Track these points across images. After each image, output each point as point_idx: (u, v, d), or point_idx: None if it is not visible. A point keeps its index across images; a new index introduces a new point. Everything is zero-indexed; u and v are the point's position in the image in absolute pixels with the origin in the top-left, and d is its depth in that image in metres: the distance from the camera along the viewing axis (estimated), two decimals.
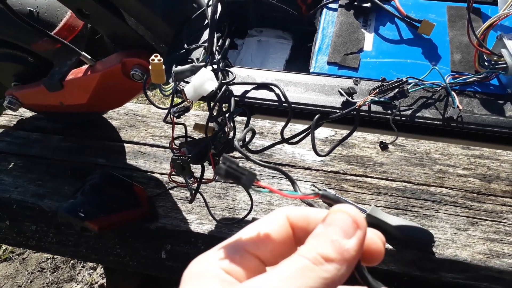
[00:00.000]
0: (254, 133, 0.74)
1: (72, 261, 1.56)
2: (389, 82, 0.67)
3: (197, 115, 1.29)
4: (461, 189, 1.06)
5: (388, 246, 0.95)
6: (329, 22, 0.82)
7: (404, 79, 0.66)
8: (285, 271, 0.21)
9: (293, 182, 0.44)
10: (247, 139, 0.74)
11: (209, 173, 0.99)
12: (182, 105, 0.73)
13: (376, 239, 0.25)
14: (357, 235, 0.23)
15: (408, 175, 1.09)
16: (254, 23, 0.98)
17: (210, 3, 0.74)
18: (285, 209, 0.25)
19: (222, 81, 0.68)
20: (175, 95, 0.71)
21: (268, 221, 0.25)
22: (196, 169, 0.80)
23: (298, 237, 0.25)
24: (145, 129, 1.27)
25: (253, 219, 1.00)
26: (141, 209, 1.00)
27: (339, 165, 1.13)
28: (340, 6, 0.84)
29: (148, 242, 1.01)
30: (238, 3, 0.84)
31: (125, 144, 1.22)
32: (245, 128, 0.76)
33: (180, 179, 0.94)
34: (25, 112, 1.33)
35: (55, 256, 1.58)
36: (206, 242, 0.99)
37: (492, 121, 0.65)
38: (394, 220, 0.94)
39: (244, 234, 0.24)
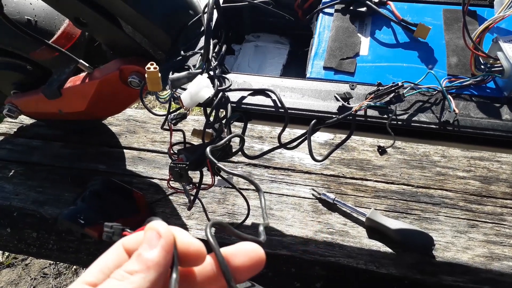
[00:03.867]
0: (242, 140, 0.74)
1: (74, 267, 1.57)
2: (385, 87, 0.67)
3: (197, 120, 1.29)
4: (461, 191, 1.06)
5: (388, 249, 0.95)
6: (325, 27, 0.82)
7: (400, 84, 0.66)
8: None
9: (258, 190, 0.44)
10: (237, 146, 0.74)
11: (208, 178, 0.99)
12: (179, 112, 0.74)
13: (194, 241, 0.28)
14: (160, 243, 0.26)
15: (408, 178, 1.09)
16: (251, 28, 0.99)
17: (206, 10, 0.74)
18: (121, 240, 0.29)
19: (218, 88, 0.69)
20: (172, 101, 0.71)
21: (105, 254, 0.29)
22: (196, 174, 0.80)
23: None
24: (144, 134, 1.27)
25: (253, 224, 1.01)
26: (141, 215, 1.01)
27: (339, 168, 1.13)
28: (336, 10, 0.84)
29: None
30: (234, 9, 0.84)
31: (124, 150, 1.23)
32: (242, 133, 0.76)
33: (179, 185, 0.94)
34: (26, 120, 1.33)
35: (58, 262, 1.58)
36: (206, 247, 0.99)
37: (488, 125, 0.65)
38: (393, 223, 0.94)
39: (86, 272, 0.28)
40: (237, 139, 0.76)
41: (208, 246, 0.29)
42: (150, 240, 0.27)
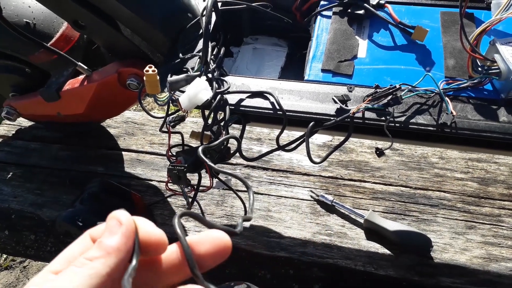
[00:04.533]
0: (238, 141, 0.74)
1: None
2: (383, 89, 0.67)
3: (195, 122, 1.29)
4: (459, 192, 1.06)
5: (386, 251, 0.95)
6: (323, 30, 0.83)
7: (397, 86, 0.66)
8: (63, 276, 0.26)
9: (248, 188, 0.44)
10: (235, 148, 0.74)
11: (206, 180, 0.99)
12: (177, 114, 0.74)
13: (155, 229, 0.29)
14: (120, 230, 0.27)
15: (406, 180, 1.09)
16: (249, 31, 0.99)
17: (205, 12, 0.74)
18: (89, 230, 0.30)
19: (217, 91, 0.69)
20: (171, 104, 0.71)
21: (74, 242, 0.29)
22: (194, 176, 0.80)
23: None
24: (143, 137, 1.27)
25: (251, 226, 1.01)
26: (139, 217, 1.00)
27: (337, 170, 1.13)
28: (334, 13, 0.84)
29: None
30: (233, 12, 0.85)
31: (123, 152, 1.23)
32: (240, 135, 0.76)
33: (177, 187, 0.95)
34: (24, 122, 1.33)
35: None
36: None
37: (486, 127, 0.65)
38: (392, 225, 0.94)
39: (52, 262, 0.28)
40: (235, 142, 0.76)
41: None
42: (111, 228, 0.27)
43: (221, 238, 0.29)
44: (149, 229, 0.29)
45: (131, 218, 0.28)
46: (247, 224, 1.00)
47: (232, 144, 0.81)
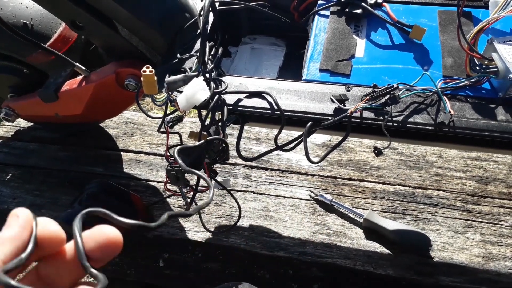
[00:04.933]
0: (226, 144, 0.74)
1: None
2: (380, 89, 0.67)
3: (194, 122, 1.29)
4: (458, 191, 1.06)
5: (386, 250, 0.95)
6: (321, 29, 0.83)
7: (395, 85, 0.66)
8: None
9: (208, 187, 0.44)
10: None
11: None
12: (175, 114, 0.74)
13: (53, 224, 0.29)
14: (16, 222, 0.28)
15: (405, 179, 1.09)
16: (247, 30, 0.99)
17: (202, 12, 0.74)
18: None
19: (214, 91, 0.69)
20: (169, 104, 0.71)
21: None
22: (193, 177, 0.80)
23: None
24: (142, 137, 1.27)
25: (250, 225, 1.01)
26: (138, 217, 1.01)
27: (336, 169, 1.13)
28: (332, 12, 0.84)
29: (145, 250, 1.01)
30: (230, 12, 0.85)
31: (122, 153, 1.23)
32: (239, 135, 0.76)
33: (176, 187, 0.95)
34: (23, 123, 1.33)
35: None
36: (204, 250, 0.99)
37: (483, 125, 0.65)
38: (391, 224, 0.94)
39: None
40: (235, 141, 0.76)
41: None
42: (9, 222, 0.29)
43: (110, 233, 0.30)
44: (46, 224, 0.30)
45: (28, 212, 0.29)
46: (246, 224, 1.00)
47: (231, 144, 0.81)
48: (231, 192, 0.84)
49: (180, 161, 0.57)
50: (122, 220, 0.31)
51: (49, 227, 0.30)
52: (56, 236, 0.30)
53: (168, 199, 1.08)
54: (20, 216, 0.29)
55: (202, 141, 0.68)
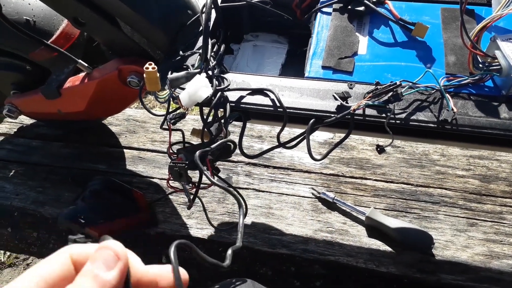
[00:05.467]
0: (235, 146, 0.74)
1: None
2: (383, 86, 0.67)
3: (196, 119, 1.29)
4: (461, 190, 1.06)
5: (388, 248, 0.95)
6: (323, 26, 0.82)
7: (398, 83, 0.66)
8: None
9: (240, 206, 0.44)
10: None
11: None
12: (178, 111, 0.74)
13: (148, 270, 0.29)
14: (118, 266, 0.26)
15: (407, 177, 1.09)
16: (249, 28, 0.99)
17: (204, 9, 0.74)
18: (68, 248, 0.28)
19: (217, 88, 0.69)
20: (171, 101, 0.71)
21: (49, 262, 0.27)
22: (196, 173, 0.80)
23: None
24: (144, 134, 1.27)
25: (252, 222, 1.01)
26: (141, 214, 1.01)
27: (338, 167, 1.13)
28: (334, 10, 0.84)
29: (148, 247, 1.01)
30: (233, 9, 0.84)
31: (124, 150, 1.23)
32: (241, 133, 0.76)
33: (179, 184, 0.95)
34: (26, 120, 1.34)
35: None
36: (206, 247, 0.99)
37: (486, 123, 0.65)
38: (393, 222, 0.94)
39: (24, 279, 0.26)
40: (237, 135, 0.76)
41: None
42: (108, 261, 0.26)
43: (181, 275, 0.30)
44: (142, 269, 0.29)
45: (126, 253, 0.28)
46: (248, 221, 1.00)
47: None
48: (236, 189, 0.84)
49: (204, 170, 0.56)
50: (205, 257, 0.33)
51: (144, 274, 0.29)
52: (150, 283, 0.29)
53: (170, 196, 1.09)
54: (121, 259, 0.27)
55: (218, 143, 0.68)
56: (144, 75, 0.65)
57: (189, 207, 0.83)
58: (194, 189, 0.81)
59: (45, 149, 1.25)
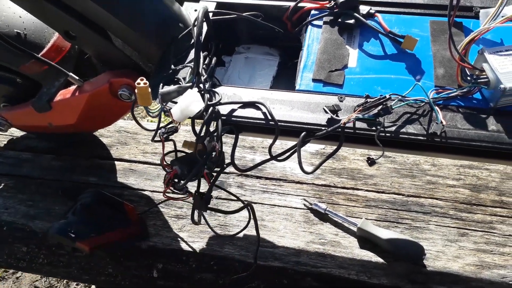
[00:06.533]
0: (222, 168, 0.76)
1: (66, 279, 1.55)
2: (373, 99, 0.68)
3: (188, 130, 1.29)
4: (451, 200, 1.06)
5: (380, 259, 0.95)
6: (314, 39, 0.83)
7: (387, 96, 0.67)
8: None
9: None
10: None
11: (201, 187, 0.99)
12: (170, 126, 0.74)
13: None
14: None
15: (398, 187, 1.10)
16: (241, 40, 0.99)
17: (196, 23, 0.75)
18: None
19: (209, 103, 0.69)
20: (163, 114, 0.71)
21: None
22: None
23: None
24: (135, 146, 1.27)
25: (244, 235, 1.00)
26: (132, 227, 1.00)
27: (330, 178, 1.14)
28: (325, 23, 0.85)
29: (139, 261, 1.01)
30: (224, 21, 0.85)
31: (116, 162, 1.22)
32: (233, 146, 0.76)
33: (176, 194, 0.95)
34: (16, 132, 1.33)
35: None
36: (198, 260, 0.99)
37: (475, 136, 0.65)
38: (384, 233, 0.94)
39: None
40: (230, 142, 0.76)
41: None
42: None
43: None
44: None
45: None
46: (240, 234, 1.00)
47: (226, 152, 0.81)
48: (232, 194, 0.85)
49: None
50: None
51: None
52: None
53: (162, 209, 1.08)
54: None
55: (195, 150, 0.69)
56: (136, 91, 0.65)
57: (197, 223, 0.85)
58: (190, 198, 0.81)
59: (35, 161, 1.24)
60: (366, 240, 0.98)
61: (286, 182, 1.14)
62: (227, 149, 0.78)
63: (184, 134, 1.27)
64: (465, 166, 1.14)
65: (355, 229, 0.98)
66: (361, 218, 1.00)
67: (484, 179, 1.11)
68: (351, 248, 0.97)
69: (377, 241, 0.95)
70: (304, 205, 1.07)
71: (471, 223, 1.01)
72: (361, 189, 1.10)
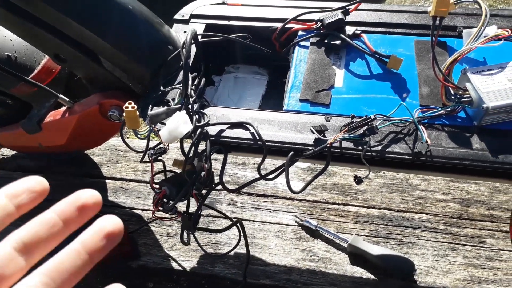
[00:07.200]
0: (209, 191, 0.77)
1: None
2: (358, 120, 0.69)
3: (178, 147, 1.29)
4: (441, 214, 1.07)
5: (370, 276, 0.95)
6: (301, 60, 0.84)
7: (372, 117, 0.68)
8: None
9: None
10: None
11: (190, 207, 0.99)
12: (159, 147, 0.74)
13: None
14: None
15: (389, 202, 1.11)
16: (231, 59, 1.01)
17: (185, 46, 0.76)
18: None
19: (197, 125, 0.70)
20: (152, 135, 0.72)
21: None
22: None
23: None
24: (126, 164, 1.27)
25: (235, 253, 1.00)
26: (123, 247, 1.00)
27: (321, 194, 1.14)
28: (312, 43, 0.86)
29: (131, 280, 1.00)
30: (213, 43, 0.86)
31: (107, 180, 1.22)
32: (222, 166, 0.77)
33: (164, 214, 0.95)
34: (6, 151, 1.32)
35: None
36: (189, 279, 0.98)
37: (459, 154, 0.67)
38: (375, 249, 0.95)
39: None
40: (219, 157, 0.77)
41: None
42: None
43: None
44: None
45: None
46: (231, 252, 1.00)
47: (215, 169, 0.81)
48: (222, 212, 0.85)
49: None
50: None
51: None
52: None
53: (152, 228, 1.08)
54: None
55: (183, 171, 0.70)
56: (124, 114, 0.66)
57: (187, 243, 0.85)
58: (180, 217, 0.81)
59: None
60: (357, 256, 0.98)
61: (277, 198, 1.15)
62: (217, 166, 0.78)
63: (175, 151, 1.28)
64: (454, 180, 1.15)
65: (346, 245, 0.99)
66: (352, 234, 1.01)
67: (473, 193, 1.12)
68: (342, 265, 0.98)
69: (368, 257, 0.95)
70: (295, 221, 1.08)
71: (461, 237, 1.02)
72: (351, 205, 1.11)
